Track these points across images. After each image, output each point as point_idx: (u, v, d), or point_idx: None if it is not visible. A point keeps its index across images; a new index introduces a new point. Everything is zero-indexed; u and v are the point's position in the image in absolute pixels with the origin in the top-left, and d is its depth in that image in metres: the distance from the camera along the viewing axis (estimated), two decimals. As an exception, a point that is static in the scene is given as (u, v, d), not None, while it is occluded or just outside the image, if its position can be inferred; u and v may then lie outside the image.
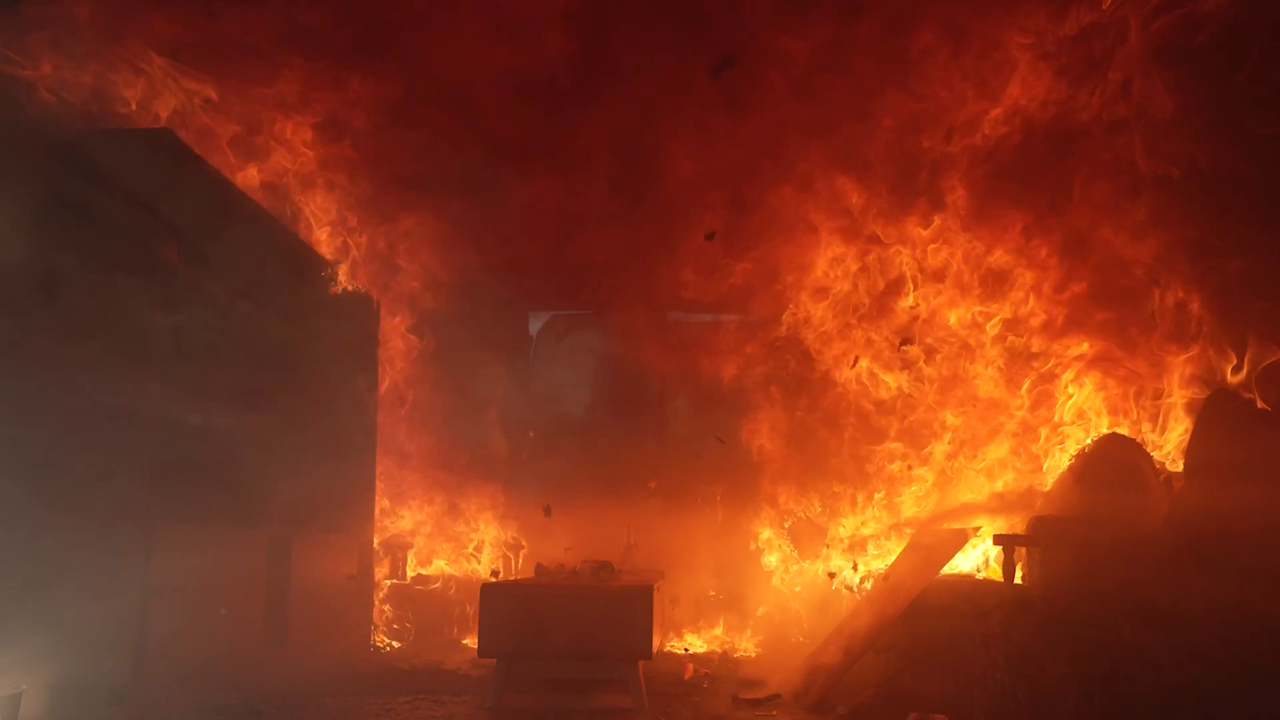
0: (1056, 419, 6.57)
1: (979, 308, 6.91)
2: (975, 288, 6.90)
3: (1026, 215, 6.62)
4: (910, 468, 7.25)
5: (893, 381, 7.42)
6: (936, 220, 7.06)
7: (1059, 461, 6.43)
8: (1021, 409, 6.71)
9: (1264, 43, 5.35)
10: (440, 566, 9.00)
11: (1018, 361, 6.72)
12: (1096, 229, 6.22)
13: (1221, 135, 5.51)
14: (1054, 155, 6.47)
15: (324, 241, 7.67)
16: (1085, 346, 6.44)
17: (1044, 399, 6.63)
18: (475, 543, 9.15)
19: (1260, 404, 5.72)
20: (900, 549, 6.89)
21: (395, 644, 8.22)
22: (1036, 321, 6.61)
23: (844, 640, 5.93)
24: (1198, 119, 5.63)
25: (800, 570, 7.99)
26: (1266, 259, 5.70)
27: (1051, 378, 6.59)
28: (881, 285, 7.44)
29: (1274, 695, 4.71)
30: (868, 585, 7.12)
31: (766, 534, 8.30)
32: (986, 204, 6.73)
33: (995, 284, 6.82)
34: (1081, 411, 6.46)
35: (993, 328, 6.85)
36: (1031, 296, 6.65)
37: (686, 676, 6.51)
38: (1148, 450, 6.05)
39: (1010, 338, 6.77)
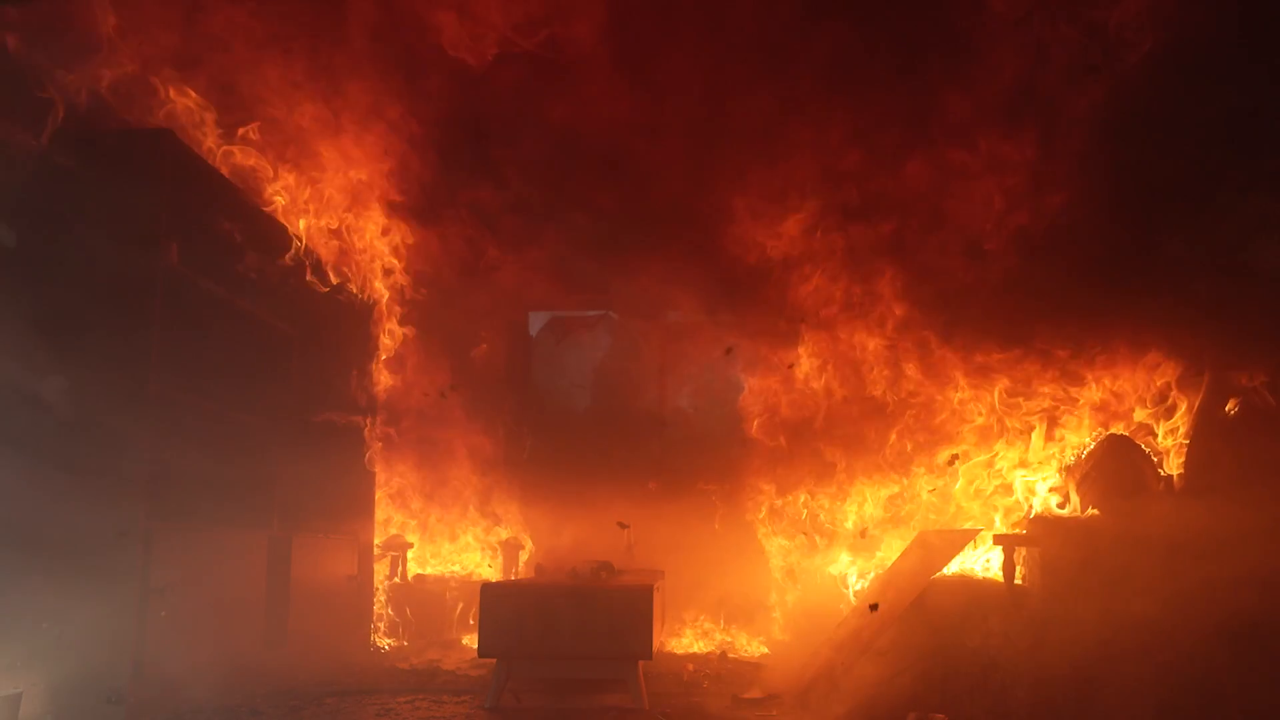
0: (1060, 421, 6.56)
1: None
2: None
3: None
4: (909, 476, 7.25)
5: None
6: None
7: (1061, 462, 6.43)
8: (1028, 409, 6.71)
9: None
10: (440, 566, 9.00)
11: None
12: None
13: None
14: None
15: (324, 241, 7.66)
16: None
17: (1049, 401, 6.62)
18: (475, 542, 9.15)
19: (1260, 404, 5.72)
20: (902, 549, 6.89)
21: (395, 644, 8.22)
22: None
23: (844, 640, 5.93)
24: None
25: (801, 570, 7.98)
26: (1266, 257, 5.71)
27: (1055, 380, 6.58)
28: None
29: (1274, 695, 4.71)
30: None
31: (766, 532, 8.29)
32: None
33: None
34: (1082, 414, 6.46)
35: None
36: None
37: (686, 677, 6.51)
38: (1147, 451, 6.06)
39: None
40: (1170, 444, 6.13)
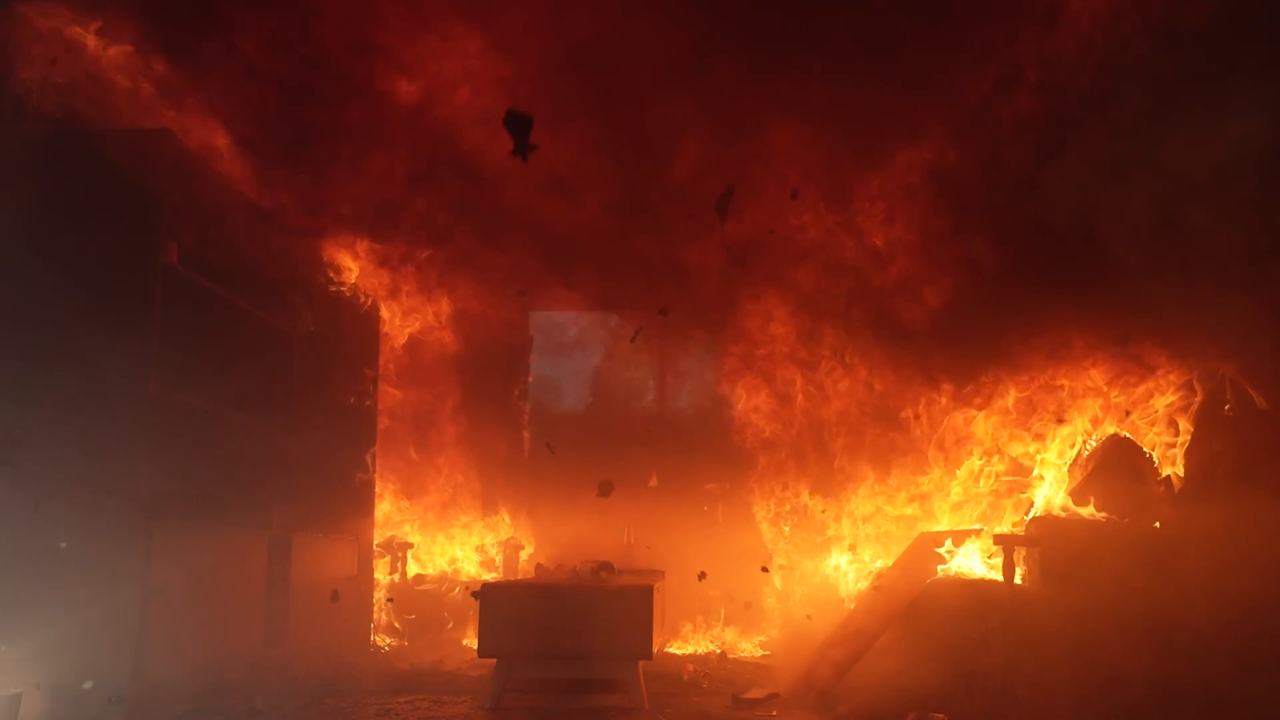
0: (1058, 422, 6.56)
1: None
2: None
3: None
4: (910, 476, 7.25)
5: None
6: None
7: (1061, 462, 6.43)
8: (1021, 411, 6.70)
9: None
10: (440, 566, 9.00)
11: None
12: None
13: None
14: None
15: (324, 242, 7.66)
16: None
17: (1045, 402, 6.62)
18: (475, 542, 9.15)
19: (1259, 404, 5.73)
20: (902, 548, 6.89)
21: (395, 643, 8.22)
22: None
23: (844, 640, 5.93)
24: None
25: (801, 569, 7.98)
26: (1260, 257, 5.72)
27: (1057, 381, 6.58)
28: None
29: (1274, 695, 4.71)
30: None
31: (767, 532, 8.30)
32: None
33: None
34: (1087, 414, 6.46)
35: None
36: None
37: (685, 677, 6.51)
38: (1147, 452, 6.06)
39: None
40: (1162, 446, 6.14)
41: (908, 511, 7.21)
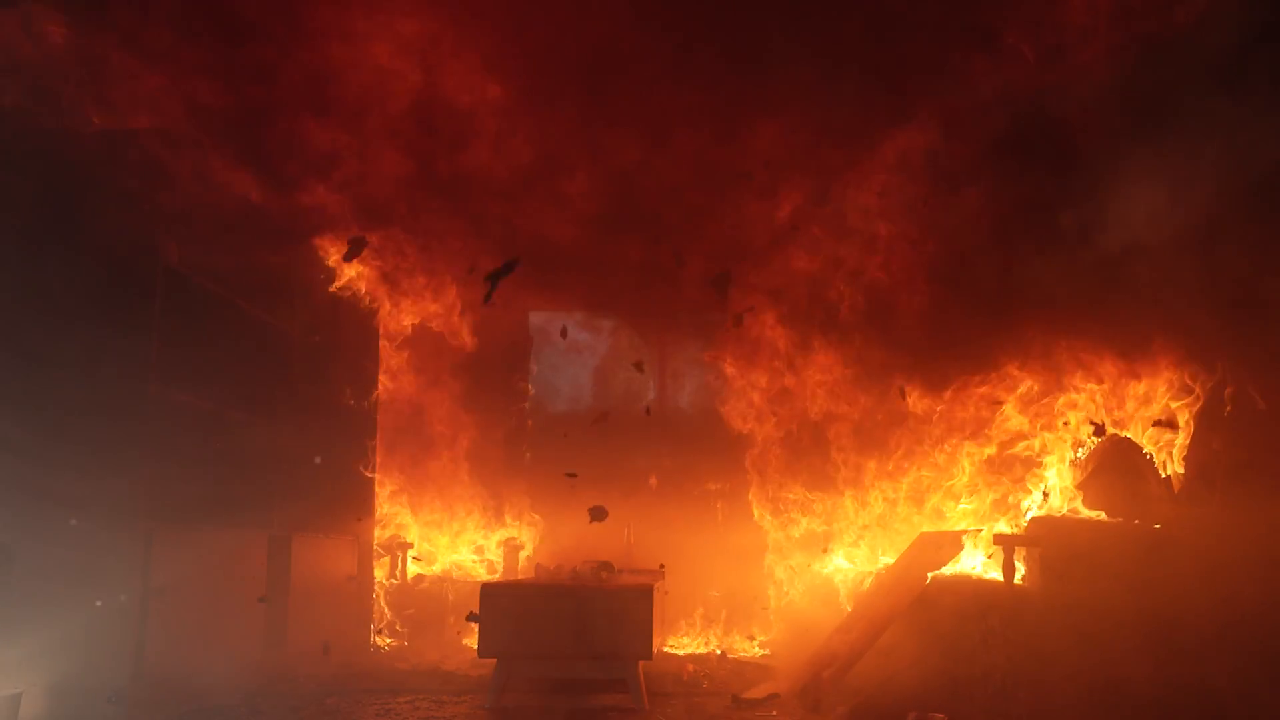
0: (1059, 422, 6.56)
1: None
2: None
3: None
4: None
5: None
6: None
7: (1061, 463, 6.43)
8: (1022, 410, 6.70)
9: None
10: (440, 566, 9.00)
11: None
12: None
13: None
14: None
15: (324, 242, 7.65)
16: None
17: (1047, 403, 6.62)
18: (475, 543, 9.15)
19: (1259, 404, 5.74)
20: (902, 545, 6.89)
21: (395, 643, 8.22)
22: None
23: (844, 639, 5.93)
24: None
25: (802, 569, 7.98)
26: (1262, 259, 5.72)
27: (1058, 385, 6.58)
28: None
29: (1274, 695, 4.72)
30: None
31: (768, 533, 8.29)
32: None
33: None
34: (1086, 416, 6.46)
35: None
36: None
37: (685, 677, 6.51)
38: (1148, 454, 6.07)
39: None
40: (1156, 431, 6.13)
41: (919, 482, 7.19)
